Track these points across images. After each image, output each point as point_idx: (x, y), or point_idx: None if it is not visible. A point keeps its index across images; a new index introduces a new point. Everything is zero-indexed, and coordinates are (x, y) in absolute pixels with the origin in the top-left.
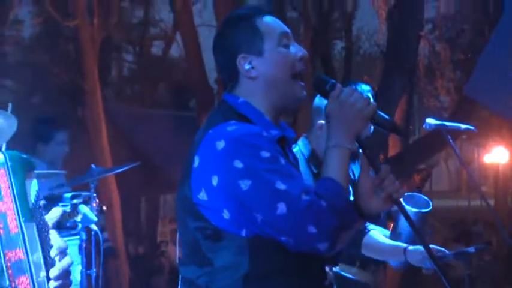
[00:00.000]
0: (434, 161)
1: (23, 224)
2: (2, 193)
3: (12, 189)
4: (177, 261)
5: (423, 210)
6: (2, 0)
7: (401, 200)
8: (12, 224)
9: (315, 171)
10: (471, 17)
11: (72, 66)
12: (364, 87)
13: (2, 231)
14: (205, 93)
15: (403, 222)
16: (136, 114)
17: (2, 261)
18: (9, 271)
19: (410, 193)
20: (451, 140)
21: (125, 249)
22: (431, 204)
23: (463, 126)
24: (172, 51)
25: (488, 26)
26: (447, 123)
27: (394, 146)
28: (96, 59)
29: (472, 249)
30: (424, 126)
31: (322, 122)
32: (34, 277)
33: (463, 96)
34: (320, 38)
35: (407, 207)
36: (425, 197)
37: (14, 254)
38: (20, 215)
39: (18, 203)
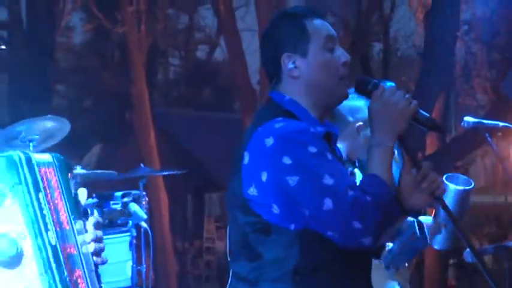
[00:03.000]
0: (471, 159)
1: (72, 220)
2: (54, 191)
3: (61, 188)
4: (228, 257)
5: (467, 188)
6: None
7: (442, 197)
8: (64, 220)
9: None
10: (506, 18)
11: (121, 71)
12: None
13: (57, 226)
14: (248, 95)
15: (443, 216)
16: (182, 116)
17: (60, 254)
18: (67, 264)
19: (451, 173)
20: (488, 138)
21: (172, 246)
22: (472, 183)
23: (500, 123)
24: (216, 55)
25: None
26: (485, 121)
27: (431, 144)
28: (143, 64)
29: (511, 244)
30: (462, 124)
31: (361, 123)
32: (86, 271)
33: (499, 95)
34: (358, 41)
35: (451, 185)
36: (465, 177)
37: (67, 248)
38: (70, 212)
39: (67, 201)
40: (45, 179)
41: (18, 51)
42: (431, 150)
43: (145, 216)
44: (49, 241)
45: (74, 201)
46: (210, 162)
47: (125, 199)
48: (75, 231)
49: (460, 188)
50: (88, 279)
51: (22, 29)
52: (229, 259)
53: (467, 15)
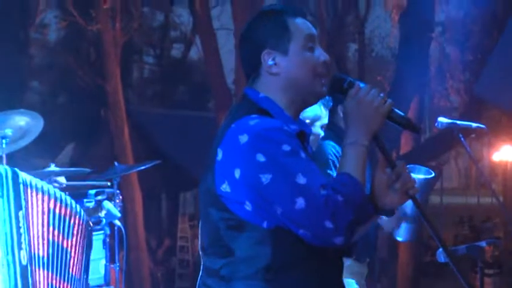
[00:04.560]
0: (444, 159)
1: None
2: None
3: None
4: (200, 251)
5: (429, 177)
6: (28, 4)
7: (415, 195)
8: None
9: None
10: (479, 19)
11: (95, 69)
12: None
13: (36, 250)
14: (223, 94)
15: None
16: (157, 114)
17: (29, 275)
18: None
19: (411, 165)
20: (462, 138)
21: (146, 245)
22: (433, 172)
23: (474, 124)
24: (191, 53)
25: (497, 27)
26: (458, 122)
27: (406, 144)
28: (118, 61)
29: (483, 243)
30: (436, 124)
31: (308, 121)
32: None
33: (473, 97)
34: (334, 41)
35: (413, 175)
36: (425, 167)
37: (44, 274)
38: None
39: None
40: (29, 200)
41: None
42: (405, 149)
43: (119, 215)
44: (20, 260)
45: None
46: (184, 161)
47: (99, 197)
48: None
49: (422, 177)
50: None
51: None
52: (201, 254)
53: (441, 17)
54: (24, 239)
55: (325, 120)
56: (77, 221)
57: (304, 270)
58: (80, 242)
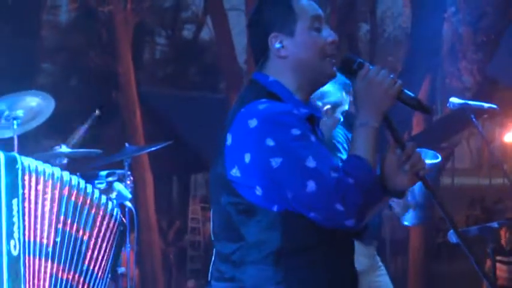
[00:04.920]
0: (456, 140)
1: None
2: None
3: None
4: (212, 236)
5: (435, 161)
6: None
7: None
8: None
9: None
10: (493, 0)
11: (107, 50)
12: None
13: (31, 237)
14: (234, 75)
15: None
16: (168, 95)
17: (21, 265)
18: (30, 277)
19: (418, 148)
20: (474, 119)
21: (157, 226)
22: (439, 156)
23: (486, 105)
24: (203, 34)
25: (509, 8)
26: (470, 102)
27: (417, 125)
28: (129, 42)
29: (495, 224)
30: (448, 105)
31: (329, 106)
32: None
33: (485, 77)
34: (346, 21)
35: None
36: (432, 151)
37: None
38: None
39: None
40: (32, 187)
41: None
42: (417, 130)
43: (129, 196)
44: (8, 250)
45: None
46: (196, 142)
47: (110, 178)
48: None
49: (428, 161)
50: None
51: (7, 6)
52: (212, 239)
53: None
54: (18, 228)
55: (346, 106)
56: (100, 212)
57: (314, 254)
58: (104, 236)
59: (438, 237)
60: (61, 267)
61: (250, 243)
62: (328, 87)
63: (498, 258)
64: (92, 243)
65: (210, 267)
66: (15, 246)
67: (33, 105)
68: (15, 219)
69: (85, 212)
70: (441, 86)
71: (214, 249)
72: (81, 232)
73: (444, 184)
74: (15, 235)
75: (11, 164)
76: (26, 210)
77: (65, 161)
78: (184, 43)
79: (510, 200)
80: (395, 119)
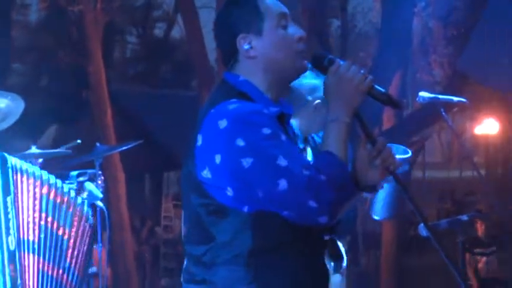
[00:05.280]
0: (427, 134)
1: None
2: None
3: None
4: (182, 238)
5: (405, 156)
6: None
7: (396, 171)
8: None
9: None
10: None
11: (77, 49)
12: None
13: (24, 235)
14: (206, 72)
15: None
16: (140, 94)
17: (17, 260)
18: (24, 272)
19: (389, 144)
20: (443, 113)
21: (130, 225)
22: (409, 152)
23: (455, 98)
24: (174, 32)
25: (480, 3)
26: (440, 96)
27: (388, 120)
28: (100, 41)
29: (464, 217)
30: (417, 99)
31: (319, 101)
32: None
33: (456, 71)
34: (317, 17)
35: None
36: (403, 146)
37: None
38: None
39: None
40: (18, 185)
41: None
42: (388, 125)
43: (100, 195)
44: (8, 245)
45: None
46: (168, 140)
47: (80, 178)
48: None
49: (399, 156)
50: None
51: None
52: (183, 241)
53: None
54: (13, 224)
55: None
56: (77, 213)
57: (285, 253)
58: (81, 235)
59: (410, 231)
60: (47, 263)
61: (221, 244)
62: (318, 82)
63: (477, 250)
64: (71, 241)
65: (183, 269)
66: (12, 242)
67: (2, 106)
68: (10, 216)
69: (63, 210)
70: (412, 80)
71: (185, 252)
72: (61, 230)
73: (415, 178)
74: (11, 231)
75: (4, 162)
76: (19, 207)
77: (40, 160)
78: (155, 41)
79: (481, 192)
80: (366, 114)
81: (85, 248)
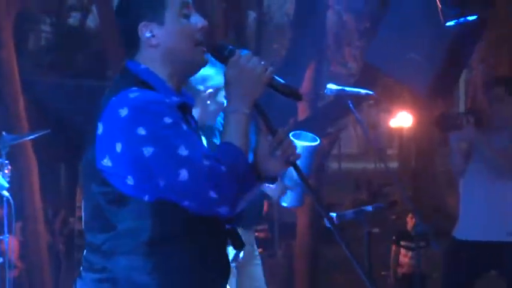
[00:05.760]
0: (342, 125)
1: None
2: None
3: None
4: (83, 226)
5: (313, 144)
6: None
7: (296, 161)
8: None
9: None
10: None
11: None
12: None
13: None
14: (121, 62)
15: (291, 179)
16: (54, 84)
17: None
18: None
19: (297, 131)
20: (351, 105)
21: (43, 216)
22: (318, 139)
23: (362, 91)
24: (88, 22)
25: None
26: (347, 89)
27: (303, 111)
28: (11, 29)
29: (369, 208)
30: (325, 91)
31: (211, 90)
32: None
33: (368, 63)
34: (233, 9)
35: (297, 142)
36: (311, 134)
37: None
38: None
39: None
40: None
41: None
42: (303, 117)
43: (6, 185)
44: None
45: None
46: (82, 130)
47: None
48: None
49: (307, 144)
50: None
51: None
52: (83, 229)
53: None
54: None
55: None
56: None
57: (186, 242)
58: None
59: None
60: None
61: (121, 233)
62: (210, 71)
63: (403, 243)
64: None
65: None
66: None
67: None
68: None
69: None
70: (327, 72)
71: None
72: None
73: (331, 169)
74: None
75: None
76: None
77: None
78: (70, 31)
79: (396, 184)
80: (281, 105)
81: None
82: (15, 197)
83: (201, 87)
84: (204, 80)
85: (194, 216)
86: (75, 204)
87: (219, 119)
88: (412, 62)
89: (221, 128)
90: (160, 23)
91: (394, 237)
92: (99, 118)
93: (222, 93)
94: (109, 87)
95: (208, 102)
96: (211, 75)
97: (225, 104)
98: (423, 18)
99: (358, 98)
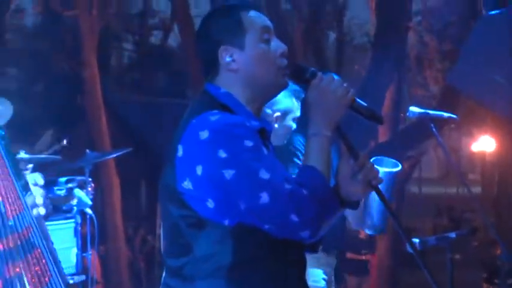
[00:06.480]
0: (423, 149)
1: (23, 199)
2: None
3: (10, 170)
4: (161, 250)
5: (394, 170)
6: None
7: (379, 186)
8: (11, 209)
9: None
10: (457, 9)
11: (72, 55)
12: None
13: None
14: (201, 81)
15: (375, 207)
16: (135, 101)
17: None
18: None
19: (378, 157)
20: (434, 129)
21: (124, 232)
22: (399, 165)
23: (445, 114)
24: (170, 40)
25: (474, 17)
26: (430, 112)
27: (383, 134)
28: (95, 48)
29: (453, 235)
30: (407, 114)
31: (279, 113)
32: (45, 244)
33: (450, 86)
34: (312, 30)
35: (380, 168)
36: (392, 159)
37: (5, 242)
38: (21, 196)
39: (16, 181)
40: None
41: None
42: (383, 140)
43: (90, 203)
44: None
45: (20, 174)
46: (164, 149)
47: (70, 185)
48: (29, 210)
49: (388, 170)
50: (48, 252)
51: None
52: (162, 253)
53: (419, 6)
54: None
55: (297, 112)
56: None
57: (264, 267)
58: (4, 182)
59: (405, 245)
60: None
61: (201, 257)
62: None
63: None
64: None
65: (161, 282)
66: None
67: None
68: None
69: None
70: (408, 94)
71: (164, 264)
72: None
73: (411, 193)
74: None
75: None
76: None
77: (30, 166)
78: (151, 49)
79: (478, 209)
80: (361, 127)
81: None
82: (97, 214)
83: (269, 111)
84: (272, 103)
85: (274, 240)
86: (156, 221)
87: (300, 140)
88: (496, 85)
89: (300, 151)
90: (241, 47)
91: (484, 275)
92: (178, 140)
93: (290, 116)
94: (188, 109)
95: (276, 125)
96: (279, 98)
97: (294, 126)
98: (507, 40)
99: (440, 121)
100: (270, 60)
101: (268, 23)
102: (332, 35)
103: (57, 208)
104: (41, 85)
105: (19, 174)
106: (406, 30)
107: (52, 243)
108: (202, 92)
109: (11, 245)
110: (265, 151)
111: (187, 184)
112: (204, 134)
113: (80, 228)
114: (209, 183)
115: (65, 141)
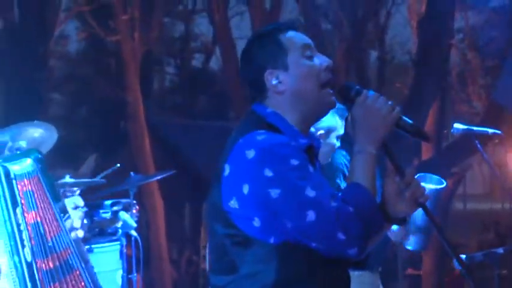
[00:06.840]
0: (467, 165)
1: (62, 223)
2: (36, 202)
3: (48, 193)
4: (207, 268)
5: (439, 186)
6: (48, 17)
7: (426, 203)
8: (50, 229)
9: None
10: (499, 25)
11: (116, 80)
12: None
13: (33, 242)
14: (243, 103)
15: (417, 223)
16: (178, 124)
17: (35, 270)
18: (43, 280)
19: (422, 173)
20: (478, 145)
21: (168, 254)
22: (444, 182)
23: (490, 130)
24: (211, 63)
25: None
26: (474, 128)
27: (427, 151)
28: (137, 72)
29: (500, 250)
30: (452, 131)
31: (323, 131)
32: (83, 267)
33: (493, 102)
34: (354, 48)
35: (424, 185)
36: (437, 176)
37: (48, 260)
38: (59, 218)
39: (54, 205)
40: (22, 193)
41: (12, 60)
42: (426, 156)
43: (135, 225)
44: (25, 258)
45: (58, 197)
46: (206, 170)
47: (115, 208)
48: (66, 232)
49: (433, 186)
50: (87, 274)
51: (15, 37)
52: (208, 271)
53: (461, 24)
54: (26, 236)
55: (341, 130)
56: (34, 184)
57: (310, 285)
58: (42, 204)
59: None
60: (42, 261)
61: (245, 276)
62: None
63: None
64: (44, 222)
65: None
66: (28, 253)
67: (36, 136)
68: (22, 227)
69: (29, 194)
70: (451, 111)
71: (209, 283)
72: (37, 217)
73: (456, 209)
74: (25, 242)
75: (8, 176)
76: (28, 216)
77: (77, 190)
78: (193, 72)
79: None
80: (404, 144)
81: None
82: (142, 236)
83: (313, 129)
84: None
85: (318, 258)
86: (200, 243)
87: (343, 160)
88: None
89: (345, 169)
90: (285, 68)
91: None
92: (225, 160)
93: (334, 134)
94: (236, 128)
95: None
96: None
97: (337, 145)
98: None
99: (484, 137)
100: (315, 75)
101: (308, 40)
102: (373, 54)
103: (102, 231)
104: (85, 110)
105: (57, 197)
106: (449, 48)
107: (92, 267)
108: (249, 111)
109: (51, 265)
110: (311, 169)
111: (233, 203)
112: (251, 154)
113: (125, 251)
114: (255, 202)
115: (118, 165)
